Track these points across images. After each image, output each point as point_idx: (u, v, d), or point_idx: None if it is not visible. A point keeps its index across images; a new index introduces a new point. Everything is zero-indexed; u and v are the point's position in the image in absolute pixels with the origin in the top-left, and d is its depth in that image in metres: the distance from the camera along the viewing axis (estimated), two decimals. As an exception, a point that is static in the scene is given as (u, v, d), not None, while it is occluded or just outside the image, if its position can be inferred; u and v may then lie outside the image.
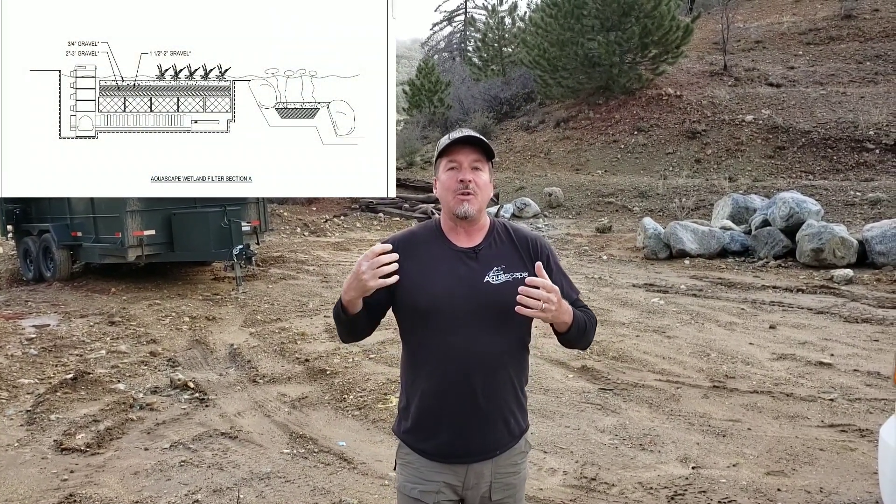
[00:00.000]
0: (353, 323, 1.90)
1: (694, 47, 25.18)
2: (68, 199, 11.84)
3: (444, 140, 1.93)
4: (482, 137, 1.92)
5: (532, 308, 1.72)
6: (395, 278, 1.76)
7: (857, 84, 21.32)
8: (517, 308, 1.74)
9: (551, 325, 1.90)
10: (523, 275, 1.87)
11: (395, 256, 1.75)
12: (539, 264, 1.78)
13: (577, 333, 1.92)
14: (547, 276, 1.77)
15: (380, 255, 1.73)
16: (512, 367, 1.97)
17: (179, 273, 11.71)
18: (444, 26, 44.63)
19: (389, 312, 2.03)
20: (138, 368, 6.39)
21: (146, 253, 10.13)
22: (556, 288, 1.75)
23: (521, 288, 1.74)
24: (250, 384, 5.89)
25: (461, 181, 1.88)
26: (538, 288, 1.72)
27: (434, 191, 2.01)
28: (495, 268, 1.92)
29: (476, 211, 1.91)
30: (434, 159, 1.99)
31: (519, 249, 1.98)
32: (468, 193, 1.88)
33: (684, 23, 22.31)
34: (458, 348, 1.89)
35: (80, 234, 11.08)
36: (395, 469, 2.09)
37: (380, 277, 1.74)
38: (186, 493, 3.90)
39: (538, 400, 5.22)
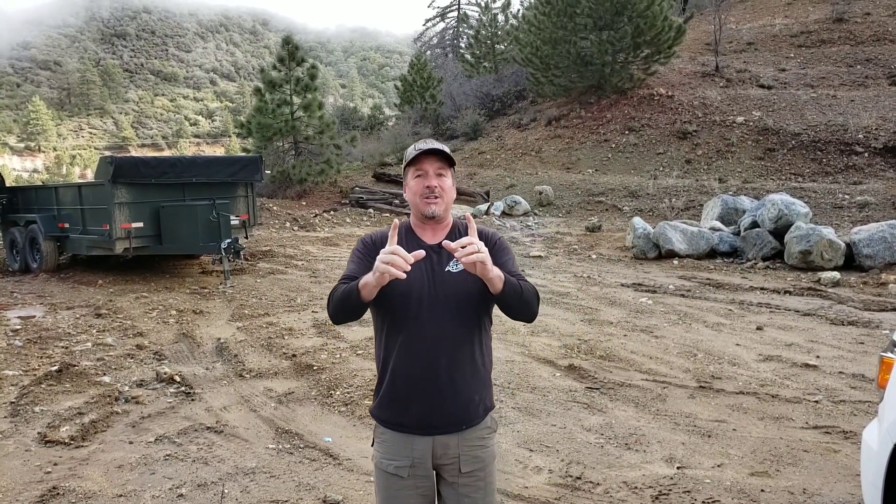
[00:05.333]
0: (363, 307, 2.05)
1: (686, 48, 25.26)
2: (55, 189, 11.76)
3: (412, 151, 2.17)
4: (445, 148, 2.18)
5: (469, 257, 1.89)
6: (402, 275, 1.90)
7: (847, 87, 21.47)
8: (459, 255, 1.90)
9: (489, 290, 2.03)
10: None
11: (409, 259, 1.91)
12: (467, 238, 1.95)
13: (512, 295, 2.06)
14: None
15: (399, 258, 1.90)
16: (474, 347, 2.18)
17: (167, 266, 11.64)
18: (437, 22, 44.51)
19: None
20: (124, 361, 6.35)
21: (134, 245, 10.07)
22: (477, 242, 1.92)
23: (449, 245, 1.94)
24: (237, 379, 5.86)
25: (427, 187, 2.14)
26: (464, 247, 1.91)
27: (404, 195, 2.27)
28: (455, 259, 2.05)
29: (442, 211, 2.17)
30: (403, 168, 2.24)
31: None
32: (434, 197, 2.14)
33: (677, 23, 22.37)
34: (425, 331, 2.10)
35: (67, 225, 11.01)
36: (372, 445, 2.27)
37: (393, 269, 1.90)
38: (171, 487, 3.88)
39: (525, 398, 5.22)
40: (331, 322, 2.26)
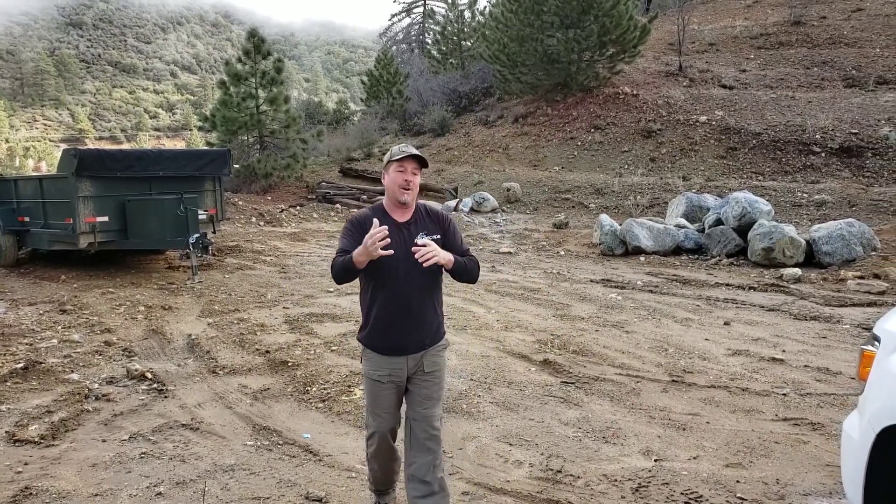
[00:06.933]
0: (359, 272, 2.94)
1: (650, 47, 25.64)
2: (15, 182, 11.40)
3: (398, 151, 3.04)
4: (421, 154, 3.06)
5: (425, 256, 2.84)
6: (389, 252, 2.83)
7: (804, 89, 22.06)
8: (418, 257, 2.85)
9: (444, 268, 3.00)
10: (437, 236, 3.04)
11: (386, 234, 2.80)
12: (425, 240, 2.94)
13: (460, 270, 3.04)
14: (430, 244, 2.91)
15: (377, 237, 2.76)
16: (434, 296, 3.13)
17: (132, 261, 11.38)
18: (403, 17, 44.35)
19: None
20: (92, 358, 6.19)
21: (99, 240, 9.81)
22: (433, 245, 2.89)
23: (413, 249, 2.88)
24: (210, 375, 5.77)
25: (406, 180, 3.02)
26: (425, 246, 2.90)
27: (382, 180, 3.14)
28: (421, 233, 3.02)
29: (410, 199, 3.06)
30: (385, 162, 3.09)
31: (434, 221, 3.14)
32: (409, 189, 3.02)
33: (641, 23, 22.68)
34: (400, 285, 3.00)
35: (27, 218, 10.67)
36: (361, 362, 3.21)
37: (381, 249, 2.80)
38: (148, 486, 3.80)
39: (502, 393, 5.26)
40: (335, 284, 3.19)
